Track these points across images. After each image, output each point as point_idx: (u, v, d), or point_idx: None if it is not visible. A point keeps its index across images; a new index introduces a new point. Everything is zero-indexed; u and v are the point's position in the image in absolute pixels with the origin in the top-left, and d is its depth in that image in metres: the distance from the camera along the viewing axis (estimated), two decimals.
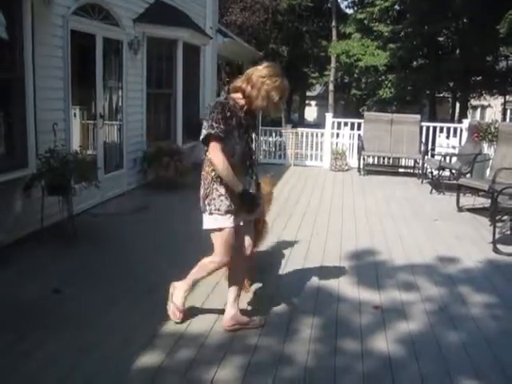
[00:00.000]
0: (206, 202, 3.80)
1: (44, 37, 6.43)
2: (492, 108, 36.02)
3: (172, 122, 10.47)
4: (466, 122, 12.16)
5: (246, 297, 4.65)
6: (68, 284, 4.85)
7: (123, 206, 8.02)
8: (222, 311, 4.22)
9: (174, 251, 5.94)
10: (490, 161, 9.36)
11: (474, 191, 8.78)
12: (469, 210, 8.51)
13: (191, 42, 10.76)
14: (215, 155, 3.64)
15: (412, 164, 12.72)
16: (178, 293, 4.09)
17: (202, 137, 3.70)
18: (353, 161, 12.92)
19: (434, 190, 10.12)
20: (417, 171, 12.15)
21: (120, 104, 8.75)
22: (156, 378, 3.36)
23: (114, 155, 8.78)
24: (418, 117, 12.92)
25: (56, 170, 5.85)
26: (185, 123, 10.55)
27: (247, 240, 4.18)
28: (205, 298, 4.61)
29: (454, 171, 10.41)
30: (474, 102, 31.47)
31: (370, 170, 12.31)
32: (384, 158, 13.06)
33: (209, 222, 3.84)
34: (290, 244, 6.33)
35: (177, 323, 4.08)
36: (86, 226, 6.74)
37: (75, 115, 7.83)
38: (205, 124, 3.69)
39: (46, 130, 6.38)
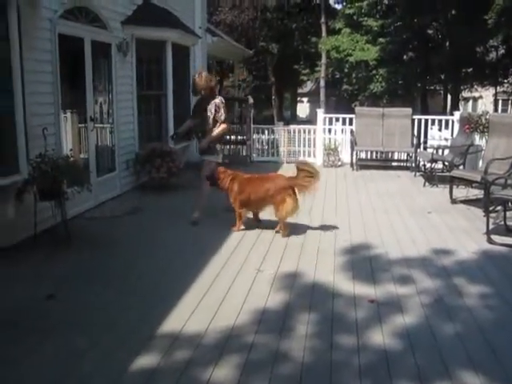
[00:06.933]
0: None
1: (32, 41, 6.40)
2: (483, 99, 36.10)
3: (163, 123, 10.46)
4: (457, 114, 12.16)
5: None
6: (62, 288, 4.86)
7: (117, 208, 8.00)
8: (216, 311, 4.27)
9: (170, 253, 5.94)
10: (482, 152, 9.38)
11: (467, 183, 8.81)
12: (462, 201, 8.53)
13: (180, 43, 10.75)
14: None
15: (405, 157, 12.72)
16: None
17: None
18: (345, 156, 12.88)
19: (427, 183, 10.14)
20: (410, 164, 12.15)
21: (111, 106, 8.73)
22: (152, 380, 3.36)
23: (106, 158, 8.76)
24: (410, 110, 12.90)
25: (47, 174, 5.83)
26: (176, 124, 10.52)
27: None
28: (200, 298, 4.62)
29: (446, 163, 10.41)
30: (465, 94, 31.47)
31: (362, 164, 12.31)
32: (377, 153, 13.06)
33: None
34: (284, 241, 6.34)
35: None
36: (80, 229, 6.72)
37: (66, 119, 7.80)
38: None
39: (36, 135, 6.35)
